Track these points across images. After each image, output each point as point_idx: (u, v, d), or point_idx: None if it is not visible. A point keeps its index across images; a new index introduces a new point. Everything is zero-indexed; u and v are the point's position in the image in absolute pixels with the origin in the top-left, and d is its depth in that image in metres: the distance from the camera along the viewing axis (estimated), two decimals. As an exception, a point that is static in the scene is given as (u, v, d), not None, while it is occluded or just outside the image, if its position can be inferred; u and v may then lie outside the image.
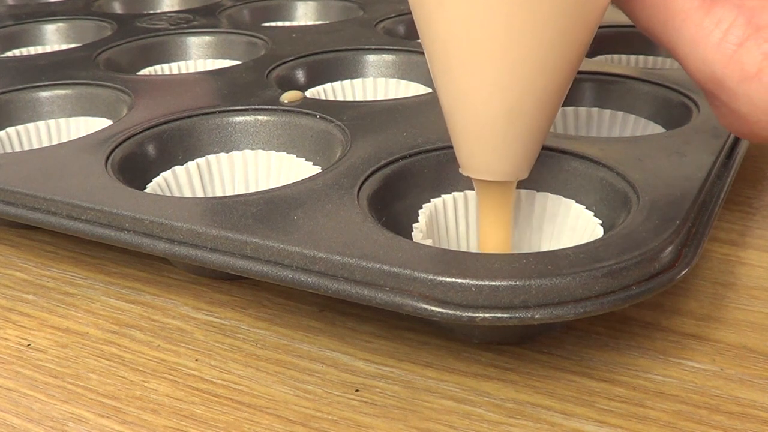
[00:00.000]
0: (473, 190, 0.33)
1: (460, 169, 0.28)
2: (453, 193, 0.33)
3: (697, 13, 0.22)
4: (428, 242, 0.29)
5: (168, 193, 0.36)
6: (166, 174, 0.36)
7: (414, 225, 0.31)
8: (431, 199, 0.32)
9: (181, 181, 0.37)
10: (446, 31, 0.24)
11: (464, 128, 0.27)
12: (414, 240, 0.29)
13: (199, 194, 0.37)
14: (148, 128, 0.38)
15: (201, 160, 0.38)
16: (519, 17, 0.23)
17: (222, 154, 0.38)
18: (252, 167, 0.39)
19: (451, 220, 0.33)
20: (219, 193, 0.38)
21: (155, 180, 0.36)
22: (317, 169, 0.36)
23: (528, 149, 0.27)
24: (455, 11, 0.24)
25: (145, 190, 0.35)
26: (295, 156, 0.38)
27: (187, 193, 0.37)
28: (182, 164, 0.37)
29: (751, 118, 0.22)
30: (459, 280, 0.25)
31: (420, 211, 0.31)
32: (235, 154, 0.38)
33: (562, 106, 0.41)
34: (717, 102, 0.23)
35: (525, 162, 0.27)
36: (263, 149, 0.39)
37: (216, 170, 0.38)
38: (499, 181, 0.28)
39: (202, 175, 0.38)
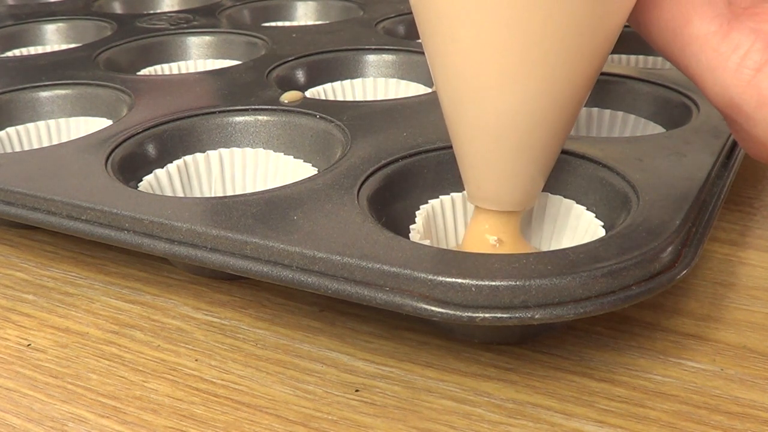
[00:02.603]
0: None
1: (467, 199, 0.28)
2: (451, 194, 0.33)
3: (715, 38, 0.22)
4: (425, 243, 0.29)
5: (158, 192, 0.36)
6: (150, 177, 0.36)
7: (411, 226, 0.31)
8: (429, 201, 0.32)
9: (164, 182, 0.37)
10: (459, 66, 0.24)
11: (474, 159, 0.27)
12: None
13: (179, 194, 0.37)
14: (149, 128, 0.38)
15: (188, 158, 0.38)
16: (533, 54, 0.23)
17: (199, 154, 0.38)
18: (238, 166, 0.39)
19: (449, 222, 0.33)
20: (203, 193, 0.38)
21: (145, 178, 0.36)
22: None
23: (536, 180, 0.27)
24: (469, 47, 0.24)
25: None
26: (284, 155, 0.38)
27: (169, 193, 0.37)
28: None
29: None
30: (459, 280, 0.25)
31: (417, 213, 0.31)
32: (219, 152, 0.38)
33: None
34: (736, 126, 0.23)
35: (533, 192, 0.28)
36: (263, 149, 0.39)
37: (204, 169, 0.38)
38: (504, 211, 0.28)
39: (182, 176, 0.37)
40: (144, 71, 0.52)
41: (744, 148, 0.24)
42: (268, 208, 0.30)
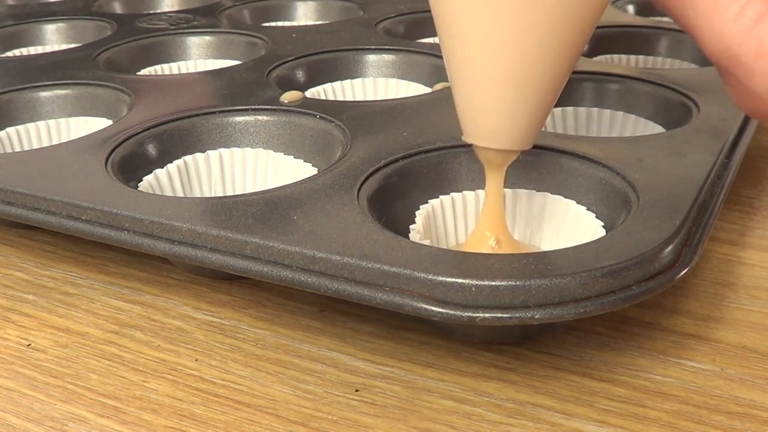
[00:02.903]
0: (472, 191, 0.33)
1: (462, 137, 0.28)
2: (451, 194, 0.33)
3: None
4: (425, 243, 0.29)
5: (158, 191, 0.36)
6: (150, 177, 0.36)
7: (411, 226, 0.31)
8: (429, 201, 0.32)
9: (164, 182, 0.37)
10: (459, 5, 0.24)
11: (470, 93, 0.26)
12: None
13: (179, 194, 0.37)
14: (149, 128, 0.38)
15: (188, 158, 0.38)
16: None
17: (199, 154, 0.38)
18: (238, 166, 0.39)
19: (449, 222, 0.33)
20: (203, 193, 0.38)
21: (145, 178, 0.36)
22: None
23: (531, 119, 0.27)
24: None
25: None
26: (284, 155, 0.38)
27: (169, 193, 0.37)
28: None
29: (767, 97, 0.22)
30: (459, 280, 0.25)
31: (417, 213, 0.31)
32: (219, 152, 0.38)
33: (563, 106, 0.41)
34: (732, 80, 0.23)
35: (528, 132, 0.27)
36: (263, 149, 0.39)
37: (204, 169, 0.38)
38: (500, 149, 0.28)
39: (182, 176, 0.37)
40: (144, 71, 0.52)
41: (738, 104, 0.24)
42: (268, 208, 0.30)
